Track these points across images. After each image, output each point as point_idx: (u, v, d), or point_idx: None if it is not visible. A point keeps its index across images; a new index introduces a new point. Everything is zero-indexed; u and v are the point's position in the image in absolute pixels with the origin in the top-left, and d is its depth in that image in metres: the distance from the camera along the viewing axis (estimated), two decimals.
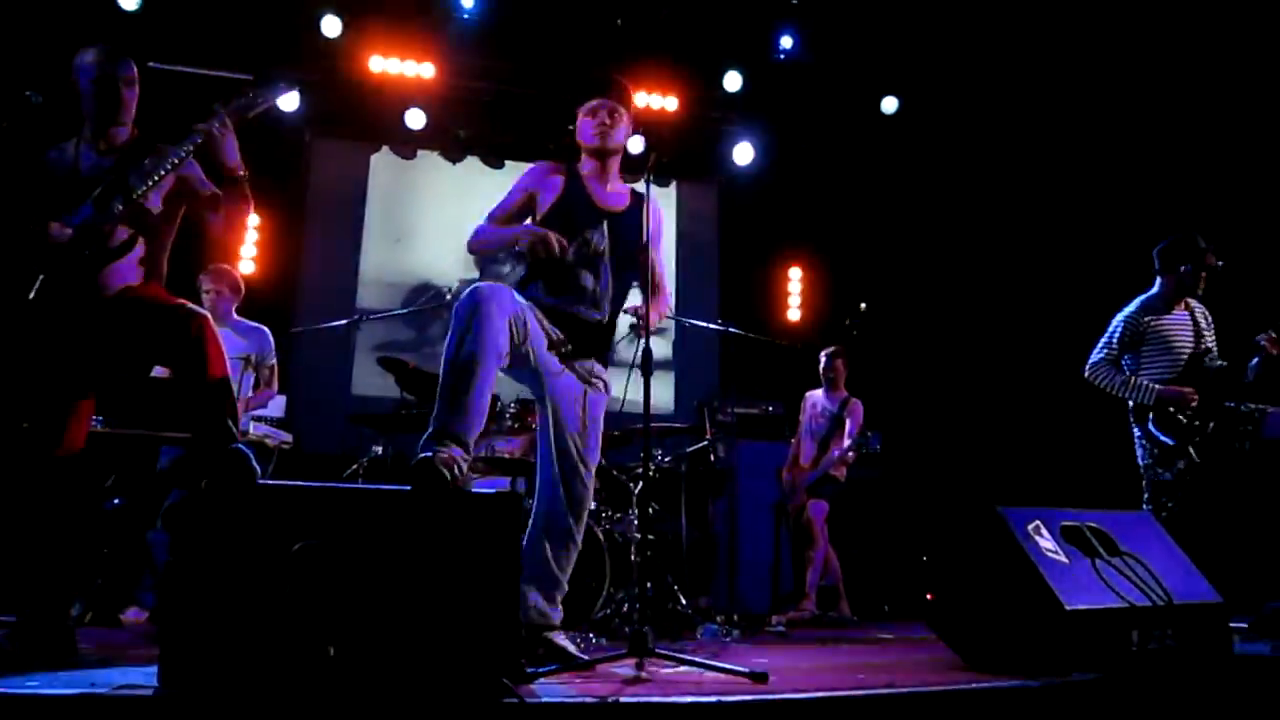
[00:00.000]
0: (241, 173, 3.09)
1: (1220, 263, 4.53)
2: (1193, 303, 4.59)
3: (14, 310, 2.92)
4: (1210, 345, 4.55)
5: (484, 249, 3.22)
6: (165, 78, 6.58)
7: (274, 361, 5.16)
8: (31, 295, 2.86)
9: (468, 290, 2.75)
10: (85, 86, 3.04)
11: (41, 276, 2.87)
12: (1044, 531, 2.91)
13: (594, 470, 3.13)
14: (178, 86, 6.44)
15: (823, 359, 6.36)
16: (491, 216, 3.24)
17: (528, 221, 3.22)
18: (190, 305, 3.04)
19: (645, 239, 3.24)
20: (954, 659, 3.03)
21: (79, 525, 3.03)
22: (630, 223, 3.25)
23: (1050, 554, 2.84)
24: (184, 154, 3.00)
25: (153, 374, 4.59)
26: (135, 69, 3.12)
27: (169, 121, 3.23)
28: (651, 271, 3.33)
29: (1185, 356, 4.47)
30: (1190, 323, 4.54)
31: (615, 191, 3.30)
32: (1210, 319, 4.61)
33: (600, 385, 3.17)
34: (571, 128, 3.34)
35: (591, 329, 3.13)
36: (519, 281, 3.19)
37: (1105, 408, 4.77)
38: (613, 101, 3.25)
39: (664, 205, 8.63)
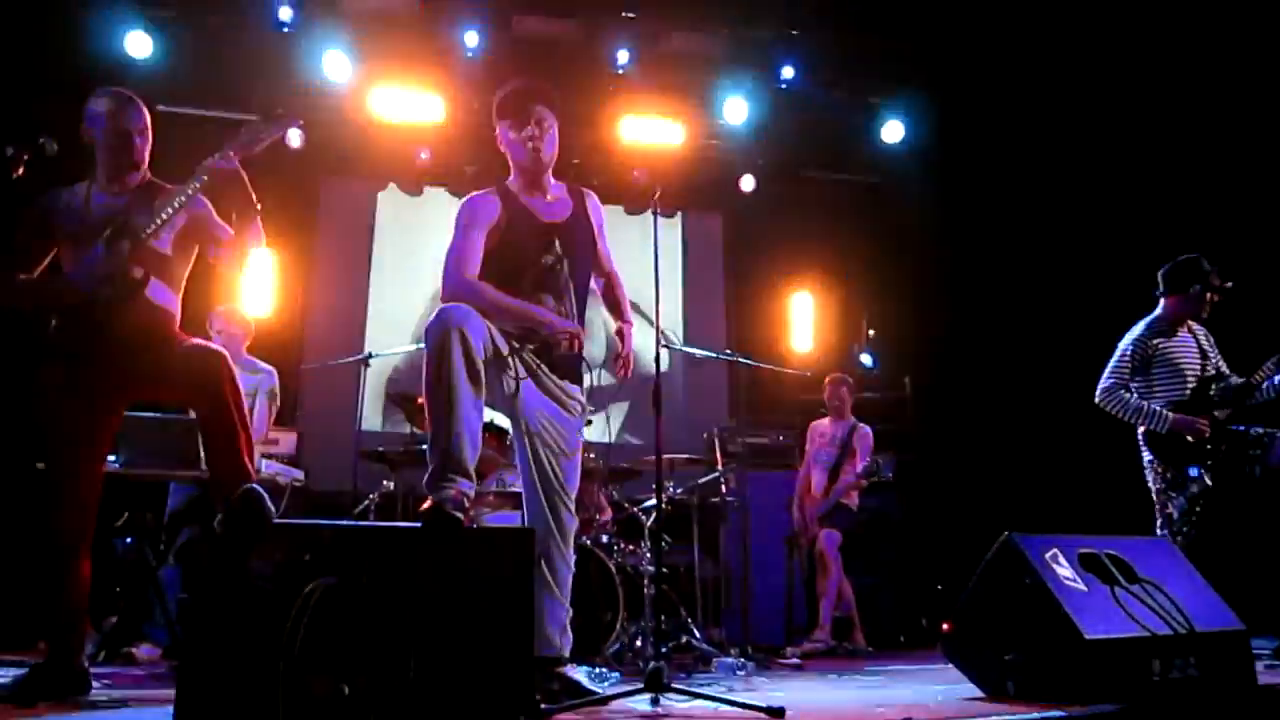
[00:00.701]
0: (257, 207, 3.11)
1: (1229, 284, 4.54)
2: (1194, 325, 4.62)
3: (30, 352, 2.94)
4: (1220, 366, 4.55)
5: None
6: (175, 120, 6.67)
7: (278, 401, 5.19)
8: (48, 338, 2.88)
9: (435, 314, 2.69)
10: (98, 135, 3.08)
11: (55, 320, 2.90)
12: (1061, 559, 2.89)
13: (574, 496, 3.07)
14: (187, 129, 6.52)
15: (827, 387, 6.35)
16: (464, 266, 2.93)
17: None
18: (208, 344, 3.06)
19: (597, 240, 3.22)
20: (972, 690, 3.00)
21: (92, 565, 3.02)
22: (578, 230, 3.15)
23: (1068, 582, 2.82)
24: (191, 192, 3.02)
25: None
26: (146, 116, 3.16)
27: (178, 163, 3.26)
28: (611, 273, 3.38)
29: (1192, 378, 4.48)
30: (1195, 345, 4.56)
31: (555, 200, 3.17)
32: (1211, 340, 4.63)
33: (576, 408, 3.09)
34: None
35: (565, 364, 3.06)
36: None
37: (1116, 433, 4.76)
38: (539, 109, 3.08)
39: (670, 236, 8.77)
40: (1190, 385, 4.47)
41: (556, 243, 3.06)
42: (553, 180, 3.20)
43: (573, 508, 3.06)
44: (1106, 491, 5.41)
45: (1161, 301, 4.62)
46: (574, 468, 3.07)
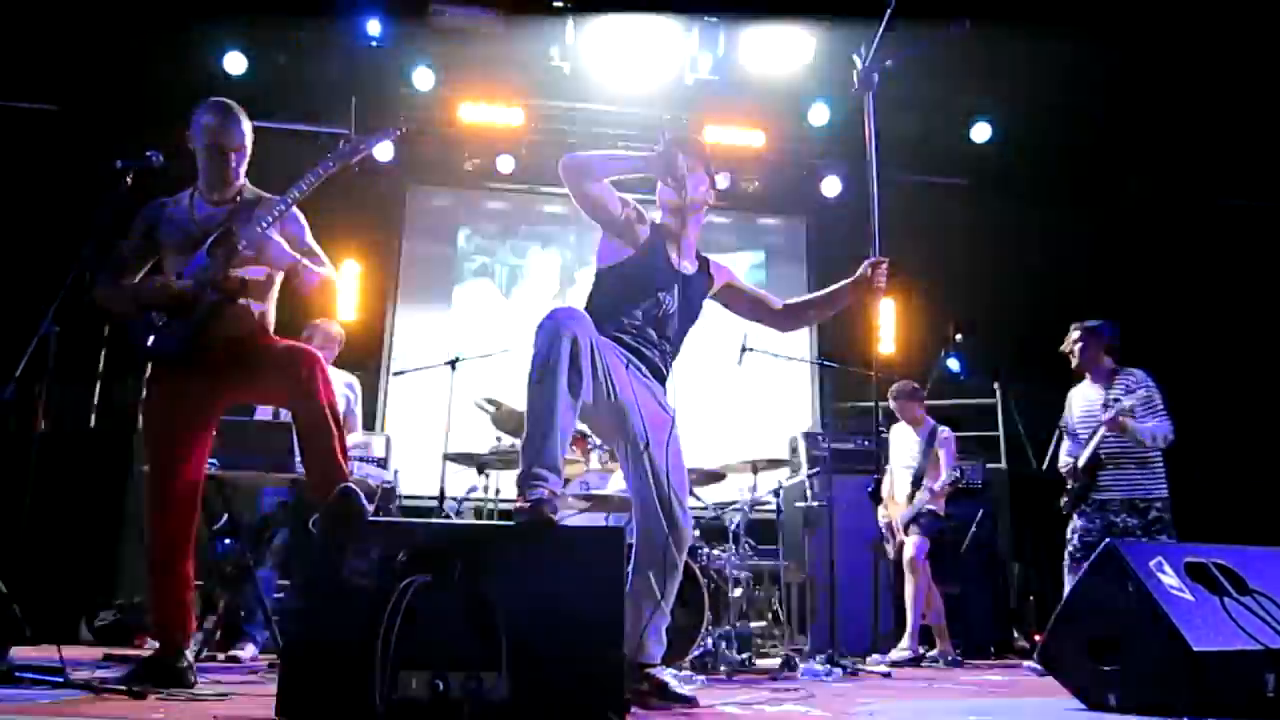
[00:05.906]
0: (319, 253, 3.22)
1: None
2: None
3: (133, 358, 3.06)
4: None
5: (602, 173, 3.09)
6: (268, 135, 6.89)
7: (358, 409, 5.28)
8: (150, 343, 2.99)
9: (548, 314, 2.71)
10: (199, 144, 3.19)
11: (161, 323, 3.01)
12: (1166, 568, 2.77)
13: (688, 498, 3.07)
14: (280, 143, 6.73)
15: (891, 402, 6.16)
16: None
17: (616, 243, 3.19)
18: (301, 345, 3.14)
19: (705, 299, 3.31)
20: (1071, 702, 2.91)
21: (196, 564, 3.13)
22: (698, 286, 3.27)
23: (1175, 592, 2.71)
24: (288, 204, 3.11)
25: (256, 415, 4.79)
26: (246, 126, 3.25)
27: (273, 175, 3.36)
28: (758, 294, 3.49)
29: None
30: None
31: (689, 256, 3.27)
32: None
33: (670, 411, 3.10)
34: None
35: (657, 372, 3.11)
36: None
37: (1218, 438, 4.57)
38: (690, 159, 3.18)
39: (754, 240, 8.75)
40: None
41: (677, 288, 3.16)
42: (691, 248, 3.28)
43: (687, 505, 3.05)
44: (1214, 498, 5.21)
45: None
46: (684, 468, 3.07)
